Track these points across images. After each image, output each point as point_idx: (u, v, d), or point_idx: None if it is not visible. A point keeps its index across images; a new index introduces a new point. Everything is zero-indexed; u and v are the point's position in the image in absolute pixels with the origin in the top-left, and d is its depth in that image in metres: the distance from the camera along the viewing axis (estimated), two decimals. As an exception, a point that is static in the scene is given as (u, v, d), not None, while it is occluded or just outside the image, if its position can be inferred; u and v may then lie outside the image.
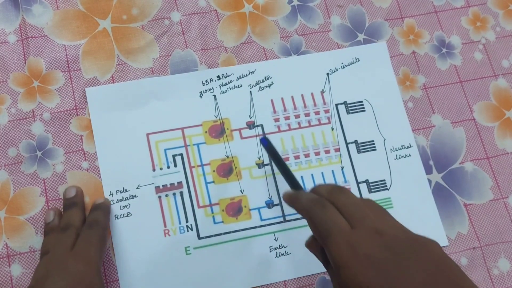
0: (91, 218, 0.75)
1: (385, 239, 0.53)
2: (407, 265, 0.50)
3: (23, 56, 0.84)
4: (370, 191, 0.84)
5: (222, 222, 0.81)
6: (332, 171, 0.85)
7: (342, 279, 0.52)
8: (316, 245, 0.61)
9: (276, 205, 0.82)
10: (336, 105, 0.88)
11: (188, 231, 0.80)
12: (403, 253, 0.52)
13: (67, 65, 0.84)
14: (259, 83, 0.87)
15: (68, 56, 0.85)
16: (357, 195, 0.83)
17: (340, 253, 0.53)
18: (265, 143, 0.73)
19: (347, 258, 0.52)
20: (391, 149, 0.86)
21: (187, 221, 0.80)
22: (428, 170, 0.86)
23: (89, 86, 0.84)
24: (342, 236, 0.54)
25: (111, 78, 0.84)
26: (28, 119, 0.81)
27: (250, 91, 0.87)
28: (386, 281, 0.50)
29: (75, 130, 0.82)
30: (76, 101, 0.83)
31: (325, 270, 0.77)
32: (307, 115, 0.87)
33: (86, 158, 0.81)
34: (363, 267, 0.51)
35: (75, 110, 0.82)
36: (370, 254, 0.52)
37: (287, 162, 0.82)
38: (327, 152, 0.85)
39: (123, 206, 0.79)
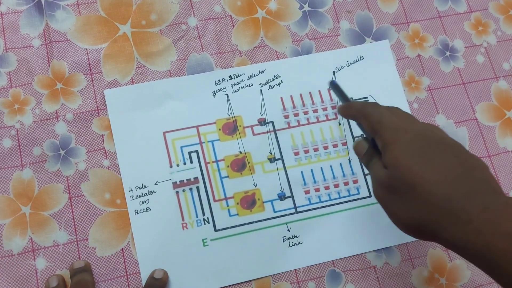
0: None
1: (433, 137, 0.58)
2: (447, 159, 0.56)
3: (47, 60, 0.85)
4: (376, 182, 0.86)
5: (237, 214, 0.82)
6: (340, 164, 0.86)
7: (387, 154, 0.57)
8: (363, 146, 0.65)
9: (288, 197, 0.83)
10: (343, 101, 0.90)
11: (205, 224, 0.81)
12: (445, 150, 0.57)
13: (89, 68, 0.86)
14: (269, 82, 0.88)
15: (90, 60, 0.86)
16: (364, 187, 0.86)
17: (389, 134, 0.58)
18: (334, 83, 0.77)
19: (395, 137, 0.58)
20: (395, 142, 0.88)
21: (203, 215, 0.81)
22: (433, 168, 0.88)
23: (108, 88, 0.85)
24: (392, 123, 0.59)
25: (131, 81, 0.86)
26: (52, 120, 0.83)
27: (261, 90, 0.88)
28: (423, 162, 0.55)
29: (97, 130, 0.83)
30: (98, 103, 0.84)
31: (335, 259, 0.81)
32: (315, 111, 0.88)
33: (107, 157, 0.82)
34: (406, 146, 0.57)
35: (96, 111, 0.84)
36: (414, 140, 0.57)
37: (297, 157, 0.85)
38: (335, 146, 0.86)
39: (143, 202, 0.81)
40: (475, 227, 0.51)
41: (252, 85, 0.88)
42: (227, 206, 0.82)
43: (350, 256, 0.82)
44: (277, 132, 0.86)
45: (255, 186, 0.84)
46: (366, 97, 0.90)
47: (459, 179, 0.54)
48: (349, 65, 0.91)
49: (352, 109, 0.68)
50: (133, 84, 0.86)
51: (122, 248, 0.79)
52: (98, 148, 0.83)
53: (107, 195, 0.81)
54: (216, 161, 0.84)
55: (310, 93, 0.89)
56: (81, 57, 0.86)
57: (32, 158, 0.81)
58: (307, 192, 0.84)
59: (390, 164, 0.57)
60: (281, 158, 0.85)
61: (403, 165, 0.55)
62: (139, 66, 0.87)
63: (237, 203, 0.83)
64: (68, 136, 0.83)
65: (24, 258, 0.77)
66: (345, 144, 0.87)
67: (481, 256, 0.51)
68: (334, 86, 0.78)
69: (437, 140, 0.58)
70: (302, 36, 0.93)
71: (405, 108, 0.90)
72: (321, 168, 0.86)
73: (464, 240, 0.52)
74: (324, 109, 0.88)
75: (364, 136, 0.69)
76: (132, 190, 0.81)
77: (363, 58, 0.92)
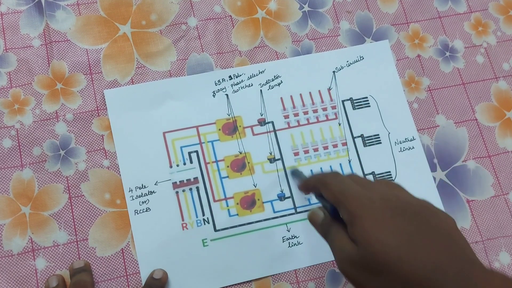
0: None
1: (399, 202, 0.55)
2: (418, 228, 0.52)
3: (47, 60, 0.85)
4: (376, 183, 0.86)
5: (237, 215, 0.82)
6: (340, 164, 0.86)
7: (357, 229, 0.54)
8: (319, 215, 0.62)
9: (288, 197, 0.83)
10: (343, 101, 0.89)
11: (204, 224, 0.81)
12: (415, 216, 0.54)
13: (89, 68, 0.86)
14: (269, 82, 0.88)
15: (90, 60, 0.86)
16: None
17: (355, 204, 0.55)
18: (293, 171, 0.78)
19: (362, 208, 0.54)
20: (395, 142, 0.87)
21: (203, 215, 0.81)
22: (433, 168, 0.87)
23: (108, 88, 0.85)
24: (356, 193, 0.56)
25: (130, 81, 0.86)
26: (51, 120, 0.83)
27: (261, 90, 0.88)
28: (396, 237, 0.52)
29: (97, 130, 0.83)
30: (97, 103, 0.84)
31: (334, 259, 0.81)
32: (315, 111, 0.88)
33: (107, 157, 0.82)
34: (376, 219, 0.53)
35: (96, 111, 0.84)
36: (383, 211, 0.54)
37: (297, 157, 0.85)
38: (335, 146, 0.86)
39: (142, 202, 0.81)
40: None
41: (252, 85, 0.88)
42: (227, 206, 0.82)
43: (350, 256, 0.82)
44: (277, 132, 0.86)
45: (255, 186, 0.84)
46: (366, 97, 0.90)
47: (435, 253, 0.51)
48: (349, 65, 0.91)
49: (312, 180, 0.66)
50: (133, 84, 0.86)
51: (122, 248, 0.79)
52: (98, 148, 0.83)
53: (107, 195, 0.81)
54: (216, 161, 0.84)
55: (310, 93, 0.89)
56: (81, 57, 0.86)
57: (32, 158, 0.81)
58: (307, 192, 0.84)
59: (361, 240, 0.54)
60: (281, 159, 0.85)
61: (375, 240, 0.52)
62: (139, 66, 0.87)
63: (237, 203, 0.83)
64: (68, 136, 0.83)
65: (24, 258, 0.77)
66: (345, 144, 0.87)
67: None
68: (293, 173, 0.82)
69: (403, 207, 0.55)
70: (302, 36, 0.93)
71: (405, 108, 0.90)
72: (321, 168, 0.85)
73: None
74: (324, 109, 0.88)
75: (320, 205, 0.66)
76: (132, 190, 0.81)
77: (363, 58, 0.92)
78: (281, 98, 0.88)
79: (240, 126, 0.86)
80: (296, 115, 0.88)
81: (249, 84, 0.88)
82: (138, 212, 0.81)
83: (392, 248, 0.51)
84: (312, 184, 0.66)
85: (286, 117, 0.87)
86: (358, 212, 0.55)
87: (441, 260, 0.51)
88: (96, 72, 0.86)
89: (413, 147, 0.88)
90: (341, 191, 0.58)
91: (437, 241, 0.52)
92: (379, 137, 0.88)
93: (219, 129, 0.86)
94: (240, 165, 0.84)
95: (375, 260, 0.52)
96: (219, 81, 0.88)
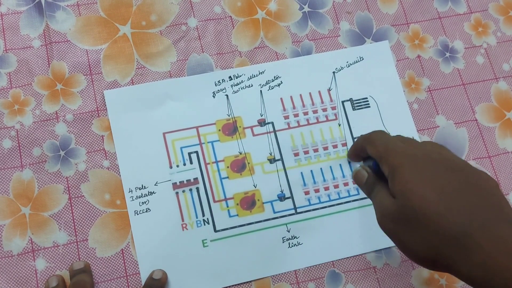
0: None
1: (442, 159, 0.57)
2: (458, 184, 0.54)
3: (47, 60, 0.85)
4: (376, 183, 0.86)
5: (237, 215, 0.82)
6: (340, 164, 0.85)
7: (396, 180, 0.56)
8: (363, 175, 0.65)
9: (288, 198, 0.83)
10: (343, 102, 0.89)
11: (204, 224, 0.81)
12: (456, 173, 0.55)
13: (89, 69, 0.86)
14: (269, 83, 0.88)
15: (90, 60, 0.86)
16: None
17: (397, 158, 0.57)
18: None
19: (403, 161, 0.56)
20: (395, 142, 0.88)
21: (203, 215, 0.81)
22: (433, 169, 0.88)
23: (108, 89, 0.85)
24: (399, 148, 0.59)
25: (130, 81, 0.86)
26: (51, 120, 0.83)
27: (261, 90, 0.88)
28: (434, 190, 0.53)
29: (97, 131, 0.83)
30: (98, 103, 0.84)
31: (334, 259, 0.81)
32: (315, 112, 0.88)
33: (107, 157, 0.82)
34: (415, 172, 0.55)
35: (96, 112, 0.84)
36: (424, 165, 0.56)
37: (297, 158, 0.85)
38: (334, 146, 0.86)
39: (142, 202, 0.80)
40: (494, 262, 0.49)
41: (252, 85, 0.88)
42: (227, 206, 0.82)
43: (350, 257, 0.82)
44: (277, 132, 0.86)
45: (255, 187, 0.83)
46: (366, 98, 0.89)
47: (473, 209, 0.52)
48: (349, 66, 0.91)
49: (359, 139, 0.68)
50: (133, 84, 0.86)
51: (122, 249, 0.79)
52: (98, 148, 0.83)
53: (107, 195, 0.81)
54: (216, 161, 0.84)
55: (310, 93, 0.89)
56: (81, 57, 0.86)
57: (32, 159, 0.81)
58: (306, 193, 0.84)
59: (400, 191, 0.55)
60: (281, 159, 0.85)
61: (414, 193, 0.54)
62: (139, 67, 0.87)
63: (237, 204, 0.82)
64: (68, 136, 0.83)
65: (24, 258, 0.77)
66: (344, 145, 0.87)
67: None
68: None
69: (445, 163, 0.57)
70: (302, 37, 0.93)
71: (405, 109, 0.90)
72: (321, 168, 0.85)
73: (482, 276, 0.50)
74: (324, 110, 0.88)
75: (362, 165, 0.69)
76: (132, 190, 0.81)
77: (363, 59, 0.92)
78: (281, 98, 0.88)
79: (240, 126, 0.86)
80: (296, 115, 0.87)
81: (249, 85, 0.88)
82: (138, 212, 0.80)
83: (430, 201, 0.53)
84: (359, 144, 0.68)
85: (286, 117, 0.87)
86: (399, 166, 0.57)
87: (478, 216, 0.51)
88: (96, 72, 0.86)
89: (413, 148, 0.87)
90: (385, 146, 0.61)
91: (476, 198, 0.53)
92: (379, 138, 0.87)
93: (219, 130, 0.85)
94: (240, 165, 0.84)
95: (412, 212, 0.53)
96: (219, 81, 0.88)
